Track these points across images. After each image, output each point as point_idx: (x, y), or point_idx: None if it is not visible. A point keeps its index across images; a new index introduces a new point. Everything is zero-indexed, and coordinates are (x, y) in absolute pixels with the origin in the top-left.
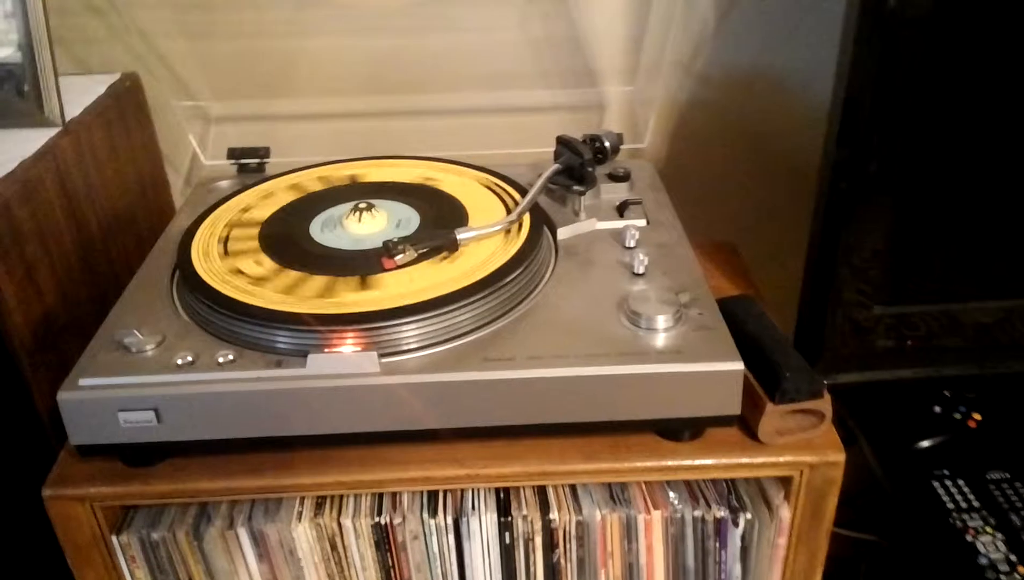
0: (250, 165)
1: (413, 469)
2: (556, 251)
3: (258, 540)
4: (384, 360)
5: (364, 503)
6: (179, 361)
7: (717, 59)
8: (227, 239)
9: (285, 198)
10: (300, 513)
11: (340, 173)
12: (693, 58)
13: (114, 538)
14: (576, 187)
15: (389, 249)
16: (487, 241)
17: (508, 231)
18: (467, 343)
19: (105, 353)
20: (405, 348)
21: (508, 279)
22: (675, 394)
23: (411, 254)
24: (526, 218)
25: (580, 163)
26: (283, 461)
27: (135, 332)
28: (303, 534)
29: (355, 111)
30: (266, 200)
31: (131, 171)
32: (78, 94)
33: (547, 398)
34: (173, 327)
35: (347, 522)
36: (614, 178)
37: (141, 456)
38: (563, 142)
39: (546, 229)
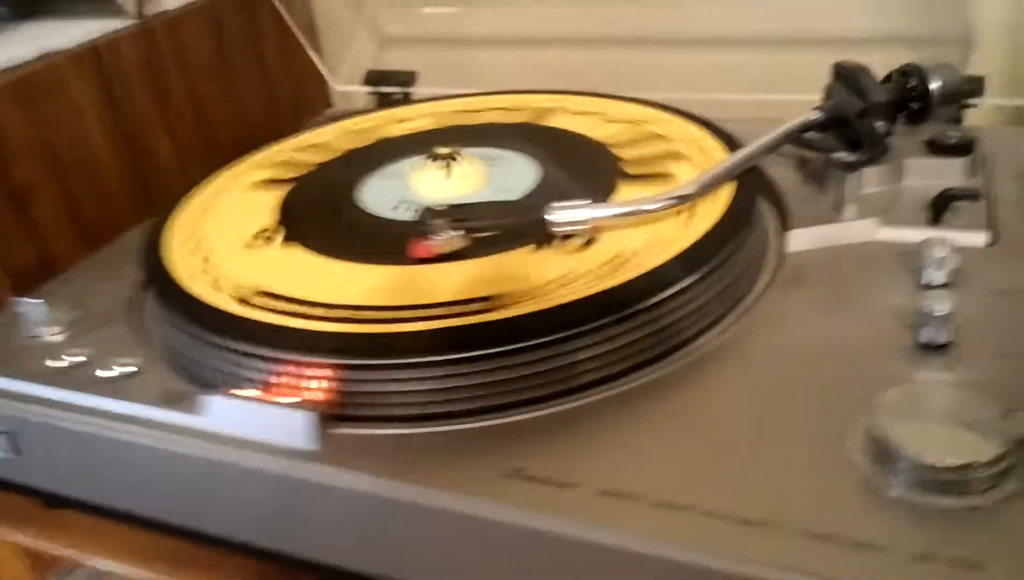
0: (393, 96)
1: None
2: (779, 269)
3: None
4: (343, 430)
5: None
6: (50, 362)
7: None
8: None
9: (356, 141)
10: None
11: (467, 109)
12: None
13: None
14: (838, 155)
15: (425, 223)
16: (636, 236)
17: (685, 218)
18: (513, 424)
19: None
20: (377, 413)
21: (641, 304)
22: None
23: (457, 238)
24: (721, 197)
25: (860, 111)
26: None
27: (40, 303)
28: None
29: (576, 35)
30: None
31: (253, 93)
32: None
33: None
34: (115, 303)
35: None
36: (938, 149)
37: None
38: (843, 73)
39: (769, 219)
